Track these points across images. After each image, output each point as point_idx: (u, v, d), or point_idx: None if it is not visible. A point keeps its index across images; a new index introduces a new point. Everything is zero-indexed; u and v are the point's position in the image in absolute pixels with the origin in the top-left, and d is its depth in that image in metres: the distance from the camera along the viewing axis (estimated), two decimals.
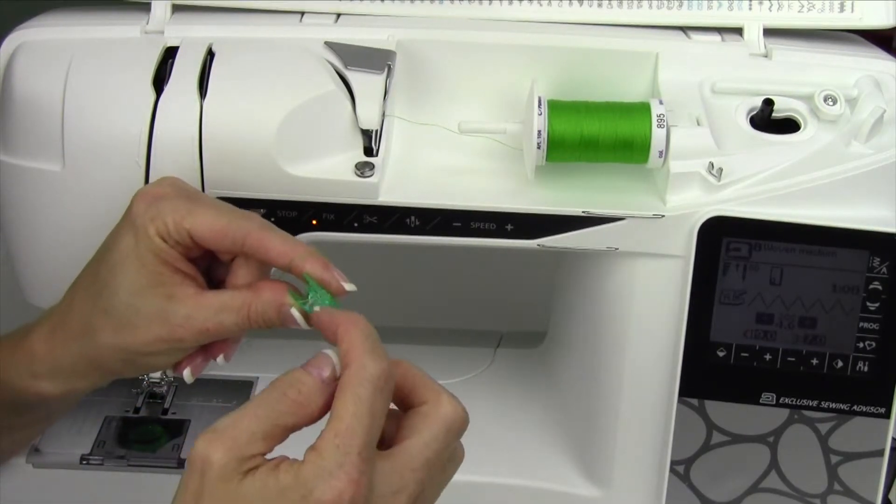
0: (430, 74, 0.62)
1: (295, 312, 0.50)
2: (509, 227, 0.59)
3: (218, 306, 0.50)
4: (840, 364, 0.60)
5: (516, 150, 0.61)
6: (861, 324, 0.59)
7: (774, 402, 0.61)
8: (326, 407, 0.45)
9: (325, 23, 0.62)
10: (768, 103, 0.59)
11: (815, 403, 0.61)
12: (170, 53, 0.58)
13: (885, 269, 0.59)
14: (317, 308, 0.49)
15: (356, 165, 0.57)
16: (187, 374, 0.53)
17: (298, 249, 0.50)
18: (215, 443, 0.42)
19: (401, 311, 0.85)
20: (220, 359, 0.53)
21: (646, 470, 0.65)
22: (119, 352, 0.51)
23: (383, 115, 0.58)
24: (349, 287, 0.50)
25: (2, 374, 0.54)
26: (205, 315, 0.50)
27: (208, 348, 0.53)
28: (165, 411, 0.70)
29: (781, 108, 0.60)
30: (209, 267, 0.54)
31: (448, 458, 0.48)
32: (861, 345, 0.60)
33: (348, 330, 0.45)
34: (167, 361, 0.52)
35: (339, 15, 0.63)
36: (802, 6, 0.64)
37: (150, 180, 0.56)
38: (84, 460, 0.66)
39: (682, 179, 0.58)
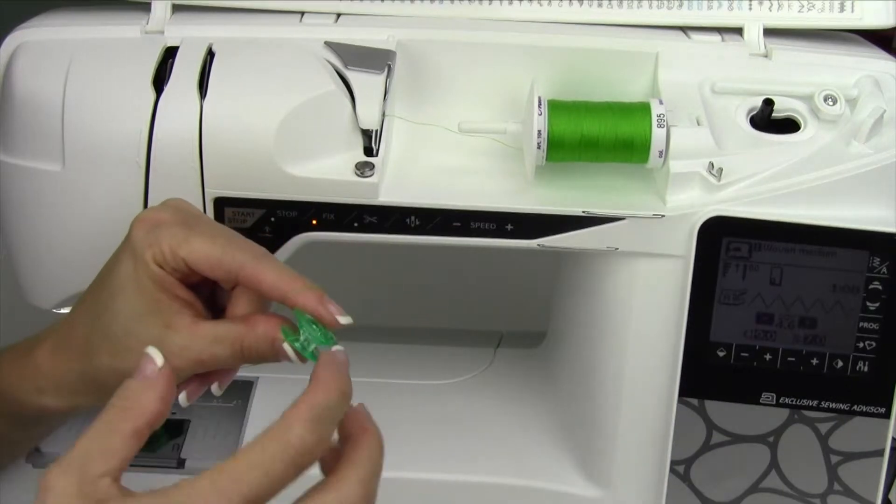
0: (430, 74, 0.62)
1: (287, 348, 0.49)
2: (509, 227, 0.59)
3: (213, 337, 0.50)
4: (840, 364, 0.60)
5: (516, 150, 0.61)
6: (861, 324, 0.59)
7: (774, 402, 0.61)
8: (158, 402, 0.43)
9: (325, 23, 0.62)
10: (768, 103, 0.59)
11: (815, 403, 0.61)
12: (170, 53, 0.58)
13: (885, 269, 0.59)
14: (312, 346, 0.48)
15: (356, 165, 0.57)
16: (182, 399, 0.53)
17: (293, 283, 0.49)
18: (56, 469, 0.40)
19: (401, 311, 0.85)
20: (214, 387, 0.53)
21: (646, 470, 0.65)
22: (117, 374, 0.50)
23: (383, 115, 0.58)
24: (344, 320, 0.48)
25: (8, 386, 0.54)
26: (200, 346, 0.50)
27: (205, 375, 0.53)
28: None
29: (781, 108, 0.60)
30: (212, 294, 0.54)
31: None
32: (861, 345, 0.60)
33: (309, 392, 0.43)
34: None
35: (339, 15, 0.63)
36: (802, 6, 0.64)
37: (150, 180, 0.56)
38: None
39: (682, 179, 0.58)
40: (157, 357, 0.45)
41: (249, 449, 0.41)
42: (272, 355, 0.50)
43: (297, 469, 0.42)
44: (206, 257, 0.49)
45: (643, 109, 0.58)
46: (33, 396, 0.53)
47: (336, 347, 0.47)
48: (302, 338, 0.48)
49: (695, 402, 0.62)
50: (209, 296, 0.53)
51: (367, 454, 0.44)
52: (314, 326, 0.48)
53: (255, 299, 0.52)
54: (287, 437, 0.41)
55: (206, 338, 0.50)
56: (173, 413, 0.69)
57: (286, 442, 0.41)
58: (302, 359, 0.49)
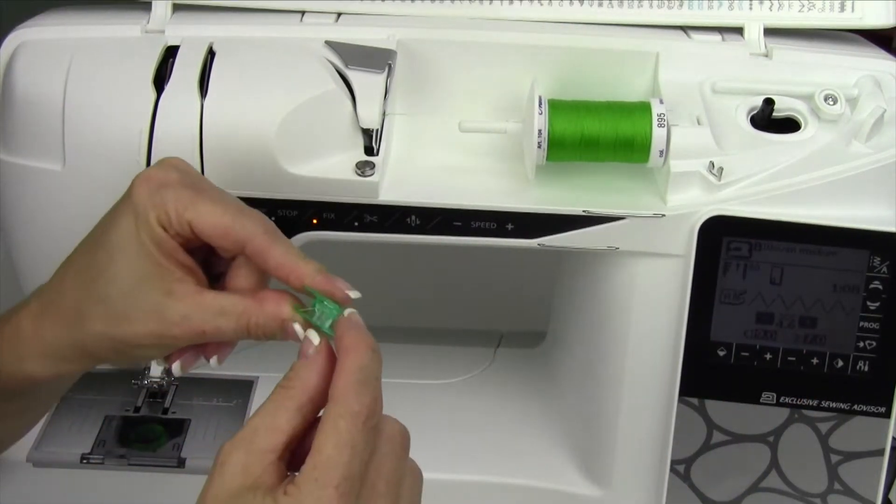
0: (431, 74, 0.62)
1: (297, 328, 0.48)
2: (510, 226, 0.59)
3: (217, 309, 0.48)
4: (840, 364, 0.60)
5: (516, 150, 0.61)
6: (861, 323, 0.59)
7: (775, 402, 0.61)
8: (317, 377, 0.44)
9: (326, 22, 0.63)
10: (769, 103, 0.60)
11: (815, 403, 0.61)
12: (170, 53, 0.58)
13: (885, 269, 0.59)
14: (329, 322, 0.48)
15: (357, 164, 0.57)
16: (176, 368, 0.51)
17: (299, 264, 0.48)
18: (228, 444, 0.43)
19: (401, 311, 0.85)
20: (212, 360, 0.52)
21: (646, 470, 0.65)
22: (109, 341, 0.49)
23: (384, 114, 0.58)
24: (354, 294, 0.48)
25: None
26: (203, 317, 0.48)
27: (202, 347, 0.51)
28: (166, 411, 0.70)
29: (782, 108, 0.60)
30: (206, 259, 0.52)
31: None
32: (861, 344, 0.60)
33: (343, 361, 0.44)
34: (158, 354, 0.51)
35: (339, 14, 0.63)
36: (803, 6, 0.64)
37: None
38: (84, 460, 0.66)
39: (682, 179, 0.58)
40: (314, 337, 0.46)
41: (325, 436, 0.42)
42: (280, 335, 0.49)
43: (374, 431, 0.44)
44: (214, 224, 0.48)
45: (643, 109, 0.58)
46: (15, 364, 0.51)
47: (348, 310, 0.47)
48: (317, 314, 0.48)
49: (695, 401, 0.62)
50: (204, 262, 0.51)
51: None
52: (325, 302, 0.48)
53: (258, 271, 0.50)
54: (349, 408, 0.43)
55: (210, 309, 0.48)
56: (173, 413, 0.70)
57: (353, 413, 0.43)
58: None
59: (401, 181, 0.59)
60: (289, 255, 0.48)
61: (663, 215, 0.58)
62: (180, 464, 0.66)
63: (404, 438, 0.47)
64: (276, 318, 0.49)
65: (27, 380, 0.52)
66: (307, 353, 0.45)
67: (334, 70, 0.58)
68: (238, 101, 0.56)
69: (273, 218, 0.58)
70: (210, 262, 0.52)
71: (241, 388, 0.72)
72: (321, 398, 0.44)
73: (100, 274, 0.49)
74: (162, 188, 0.48)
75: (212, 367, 0.52)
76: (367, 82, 0.58)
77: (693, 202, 0.59)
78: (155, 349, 0.50)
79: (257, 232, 0.48)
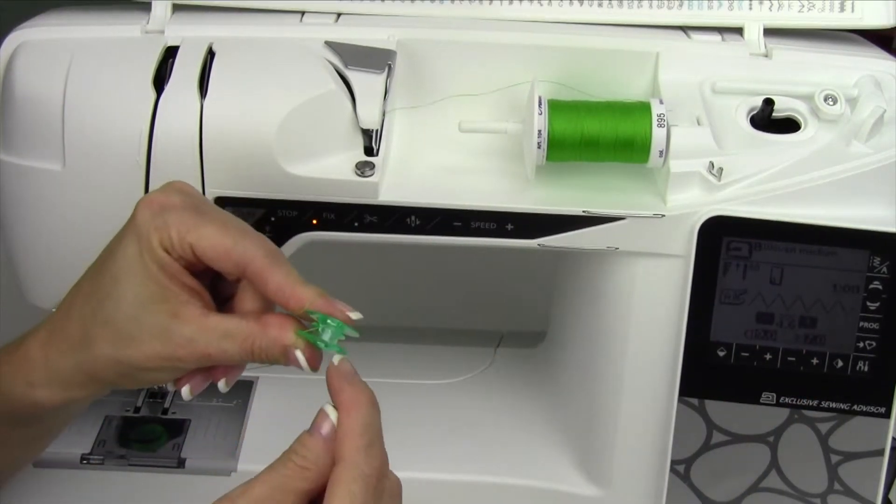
0: (431, 74, 0.62)
1: (299, 355, 0.48)
2: (509, 226, 0.59)
3: (222, 332, 0.48)
4: (840, 364, 0.60)
5: (516, 150, 0.61)
6: (861, 323, 0.59)
7: (775, 402, 0.61)
8: (332, 462, 0.45)
9: (326, 22, 0.63)
10: (768, 103, 0.60)
11: (815, 403, 0.61)
12: (170, 53, 0.58)
13: (885, 269, 0.59)
14: (336, 340, 0.47)
15: (356, 165, 0.57)
16: (185, 392, 0.51)
17: (298, 288, 0.48)
18: None
19: (401, 311, 0.85)
20: (220, 384, 0.52)
21: (646, 470, 0.65)
22: (116, 365, 0.49)
23: (384, 114, 0.58)
24: (355, 315, 0.48)
25: None
26: (207, 339, 0.48)
27: (211, 370, 0.51)
28: (166, 411, 0.70)
29: (782, 108, 0.60)
30: (214, 282, 0.52)
31: None
32: (861, 344, 0.60)
33: (347, 419, 0.45)
34: (166, 378, 0.51)
35: (339, 15, 0.63)
36: (803, 6, 0.64)
37: (151, 180, 0.56)
38: (84, 460, 0.66)
39: (682, 179, 0.58)
40: (332, 413, 0.46)
41: (339, 500, 0.43)
42: (283, 360, 0.49)
43: (383, 488, 0.45)
44: (214, 246, 0.48)
45: (643, 109, 0.58)
46: (24, 391, 0.51)
47: (336, 357, 0.47)
48: (320, 332, 0.47)
49: (695, 401, 0.62)
50: (211, 284, 0.52)
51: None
52: (329, 321, 0.47)
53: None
54: (361, 472, 0.44)
55: (215, 331, 0.48)
56: (173, 413, 0.70)
57: (364, 476, 0.44)
58: (314, 365, 0.49)
59: (401, 181, 0.59)
60: (289, 278, 0.48)
61: (663, 215, 0.58)
62: (180, 464, 0.66)
63: (400, 489, 0.48)
64: (279, 344, 0.48)
65: (35, 406, 0.52)
66: (322, 430, 0.45)
67: (334, 70, 0.58)
68: (238, 102, 0.56)
69: (272, 218, 0.58)
70: (218, 286, 0.52)
71: (241, 389, 0.72)
72: (330, 471, 0.44)
73: (106, 297, 0.49)
74: (164, 211, 0.49)
75: (220, 390, 0.52)
76: (366, 82, 0.58)
77: (693, 202, 0.59)
78: (161, 372, 0.50)
79: (258, 255, 0.48)
